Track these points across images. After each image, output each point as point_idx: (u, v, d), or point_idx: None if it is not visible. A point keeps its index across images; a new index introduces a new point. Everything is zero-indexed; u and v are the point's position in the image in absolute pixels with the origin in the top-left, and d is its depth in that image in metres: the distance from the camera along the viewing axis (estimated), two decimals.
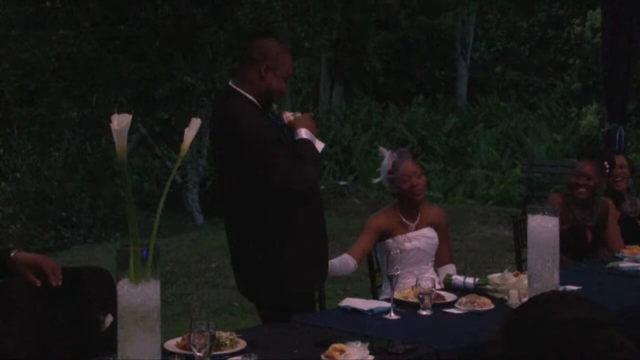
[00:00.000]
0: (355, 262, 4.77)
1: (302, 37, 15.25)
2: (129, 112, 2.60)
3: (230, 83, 4.16)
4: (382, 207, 5.16)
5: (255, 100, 4.04)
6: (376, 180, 5.05)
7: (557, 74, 20.76)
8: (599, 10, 13.93)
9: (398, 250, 4.33)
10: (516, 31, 22.16)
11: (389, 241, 4.85)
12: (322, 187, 13.89)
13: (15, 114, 14.01)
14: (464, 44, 21.13)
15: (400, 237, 4.86)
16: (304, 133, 4.07)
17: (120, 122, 2.56)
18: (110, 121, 2.58)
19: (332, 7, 14.60)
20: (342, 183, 14.70)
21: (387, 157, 4.94)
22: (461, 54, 21.14)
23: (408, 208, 4.93)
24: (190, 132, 2.78)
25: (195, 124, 2.79)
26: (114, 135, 2.57)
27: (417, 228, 4.92)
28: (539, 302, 1.68)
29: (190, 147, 3.27)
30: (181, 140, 2.78)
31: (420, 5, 21.63)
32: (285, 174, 3.92)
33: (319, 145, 4.10)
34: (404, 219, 4.91)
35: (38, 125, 13.84)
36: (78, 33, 12.68)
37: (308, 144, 4.07)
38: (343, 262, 4.76)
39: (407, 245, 4.84)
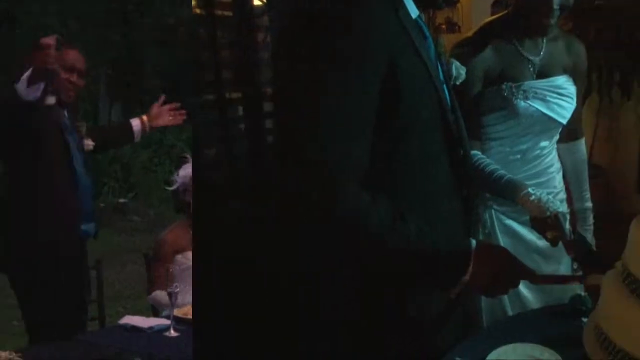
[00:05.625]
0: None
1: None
2: None
3: None
4: (163, 224, 4.82)
5: None
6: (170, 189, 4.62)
7: None
8: None
9: (178, 267, 4.32)
10: None
11: (179, 257, 4.52)
12: (102, 205, 13.76)
13: None
14: None
15: (189, 254, 4.50)
16: None
17: None
18: None
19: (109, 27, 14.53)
20: (121, 200, 14.63)
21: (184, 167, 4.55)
22: None
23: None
24: None
25: None
26: None
27: None
28: None
29: None
30: None
31: None
32: None
33: None
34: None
35: None
36: None
37: None
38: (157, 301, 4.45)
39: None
